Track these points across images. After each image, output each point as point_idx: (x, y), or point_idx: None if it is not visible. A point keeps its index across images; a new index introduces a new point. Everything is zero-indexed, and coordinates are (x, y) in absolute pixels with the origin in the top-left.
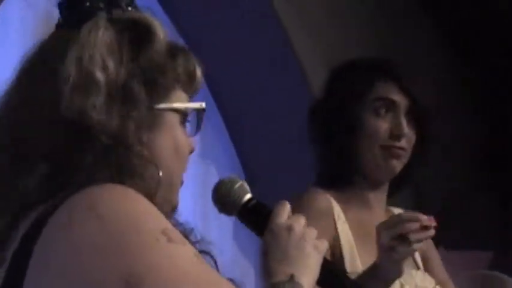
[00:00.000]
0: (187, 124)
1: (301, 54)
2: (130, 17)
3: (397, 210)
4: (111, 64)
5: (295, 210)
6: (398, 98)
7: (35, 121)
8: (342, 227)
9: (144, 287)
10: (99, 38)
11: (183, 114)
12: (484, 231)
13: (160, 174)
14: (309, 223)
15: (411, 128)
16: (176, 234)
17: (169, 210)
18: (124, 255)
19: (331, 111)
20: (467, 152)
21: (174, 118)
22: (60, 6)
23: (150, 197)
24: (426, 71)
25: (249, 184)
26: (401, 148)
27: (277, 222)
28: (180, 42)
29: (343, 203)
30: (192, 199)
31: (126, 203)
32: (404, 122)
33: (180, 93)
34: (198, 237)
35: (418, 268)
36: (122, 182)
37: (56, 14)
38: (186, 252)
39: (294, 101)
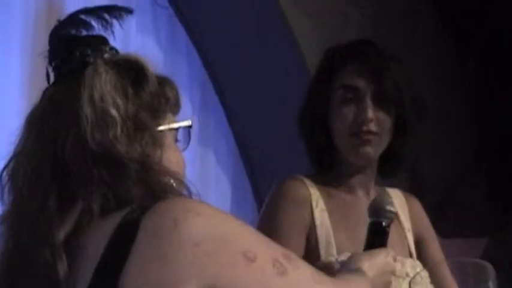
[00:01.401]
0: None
1: (299, 38)
2: (122, 58)
3: (392, 191)
4: (119, 101)
5: (273, 198)
6: (362, 83)
7: (65, 161)
8: (319, 215)
9: (258, 255)
10: (104, 80)
11: (176, 132)
12: (478, 219)
13: (173, 183)
14: (286, 211)
15: (381, 110)
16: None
17: None
18: (233, 238)
19: (306, 99)
20: (464, 143)
21: (170, 137)
22: (50, 60)
23: None
24: (426, 66)
25: (248, 168)
26: (370, 132)
27: (392, 255)
28: (178, 25)
29: (326, 189)
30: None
31: (205, 203)
32: (368, 107)
33: (170, 115)
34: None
35: (410, 255)
36: (159, 195)
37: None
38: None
39: (294, 88)
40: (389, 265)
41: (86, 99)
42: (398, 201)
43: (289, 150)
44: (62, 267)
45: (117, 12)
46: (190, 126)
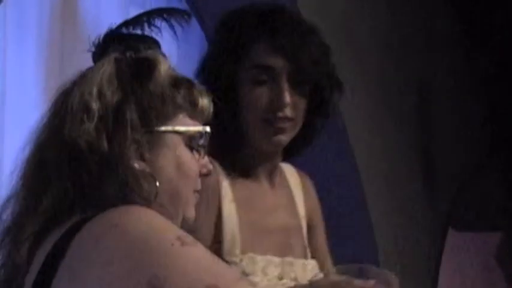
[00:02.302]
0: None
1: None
2: (137, 56)
3: (286, 167)
4: (108, 93)
5: None
6: (278, 62)
7: (48, 147)
8: (227, 207)
9: (166, 285)
10: (100, 73)
11: (187, 137)
12: (493, 213)
13: (158, 184)
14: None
15: (298, 93)
16: (189, 238)
17: (181, 221)
18: (145, 262)
19: (207, 80)
20: (477, 135)
21: (177, 139)
22: (93, 55)
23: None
24: (439, 57)
25: None
26: (286, 118)
27: None
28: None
29: (233, 176)
30: None
31: (144, 219)
32: (285, 90)
33: (184, 119)
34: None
35: (306, 257)
36: (121, 193)
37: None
38: (198, 251)
39: None
40: None
41: (76, 90)
42: (293, 180)
43: None
44: (20, 258)
45: (176, 15)
46: (206, 133)
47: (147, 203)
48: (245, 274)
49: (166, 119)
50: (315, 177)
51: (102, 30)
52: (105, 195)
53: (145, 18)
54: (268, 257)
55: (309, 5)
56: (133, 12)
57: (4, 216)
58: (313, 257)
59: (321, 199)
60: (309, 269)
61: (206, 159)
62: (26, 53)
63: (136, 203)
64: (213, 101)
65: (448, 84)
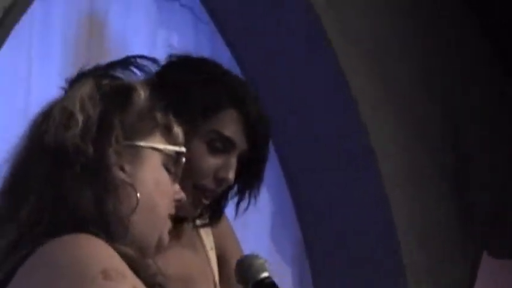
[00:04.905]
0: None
1: (341, 60)
2: (117, 82)
3: (205, 234)
4: (90, 107)
5: None
6: (241, 141)
7: (30, 156)
8: None
9: None
10: (80, 90)
11: (165, 156)
12: None
13: (138, 195)
14: None
15: (237, 170)
16: (117, 272)
17: (155, 242)
18: None
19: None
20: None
21: (156, 158)
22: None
23: (126, 219)
24: (452, 43)
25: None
26: (216, 192)
27: None
28: (220, 41)
29: None
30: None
31: (75, 251)
32: (234, 168)
33: (161, 139)
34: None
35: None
36: (100, 200)
37: (100, 14)
38: (120, 287)
39: (334, 102)
40: None
41: (57, 106)
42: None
43: (328, 157)
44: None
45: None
46: (182, 153)
47: (122, 219)
48: None
49: (144, 136)
50: (343, 200)
51: (129, 49)
52: (75, 209)
53: (132, 61)
54: None
55: (337, 29)
56: (160, 30)
57: None
58: None
59: (349, 221)
60: None
61: (177, 186)
62: (51, 71)
63: (98, 225)
64: None
65: (480, 107)
